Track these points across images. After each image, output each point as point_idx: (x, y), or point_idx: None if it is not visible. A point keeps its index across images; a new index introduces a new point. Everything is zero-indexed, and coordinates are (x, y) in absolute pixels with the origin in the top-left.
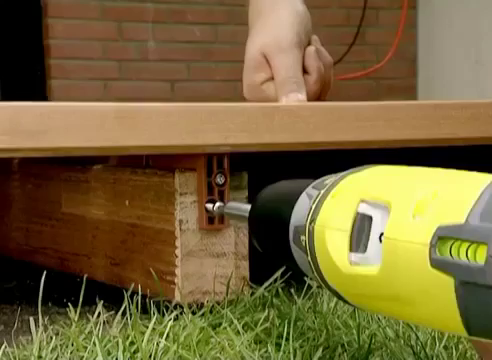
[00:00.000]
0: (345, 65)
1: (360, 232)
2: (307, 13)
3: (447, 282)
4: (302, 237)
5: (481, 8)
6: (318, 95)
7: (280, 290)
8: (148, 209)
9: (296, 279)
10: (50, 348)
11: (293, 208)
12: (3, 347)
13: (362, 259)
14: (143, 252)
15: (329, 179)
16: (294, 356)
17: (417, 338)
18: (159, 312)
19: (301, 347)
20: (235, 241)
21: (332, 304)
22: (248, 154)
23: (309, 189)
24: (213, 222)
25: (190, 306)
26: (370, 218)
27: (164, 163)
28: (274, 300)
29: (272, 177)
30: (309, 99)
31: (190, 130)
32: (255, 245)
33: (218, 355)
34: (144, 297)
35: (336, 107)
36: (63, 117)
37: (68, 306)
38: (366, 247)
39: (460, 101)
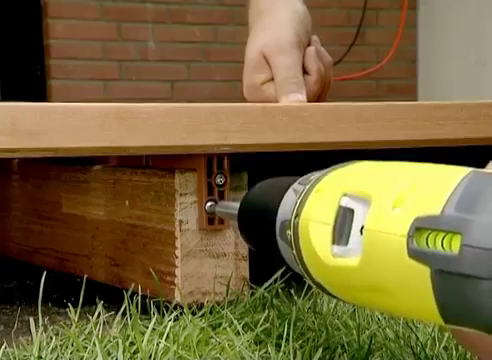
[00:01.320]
0: (345, 65)
1: (343, 225)
2: (307, 13)
3: (424, 271)
4: (288, 231)
5: (481, 8)
6: (318, 95)
7: (280, 290)
8: (148, 209)
9: (296, 279)
10: (50, 348)
11: (280, 204)
12: (3, 347)
13: (344, 251)
14: (143, 252)
15: (314, 175)
16: (294, 357)
17: (417, 339)
18: (159, 312)
19: (301, 347)
20: (235, 241)
21: (332, 305)
22: (248, 154)
23: (295, 185)
24: (213, 223)
25: (190, 306)
26: (352, 211)
27: (164, 163)
28: (274, 300)
29: (272, 177)
30: (309, 99)
31: (190, 130)
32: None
33: (218, 355)
34: (144, 297)
35: (336, 107)
36: (63, 117)
37: (68, 306)
38: (348, 239)
39: (460, 102)
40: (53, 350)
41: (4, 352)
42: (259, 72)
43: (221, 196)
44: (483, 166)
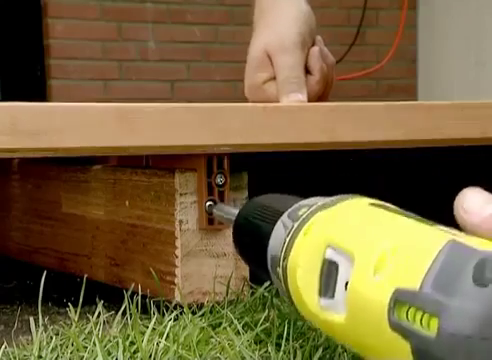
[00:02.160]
0: (345, 65)
1: (328, 277)
2: (311, 13)
3: (405, 345)
4: (278, 269)
5: (481, 8)
6: (320, 95)
7: None
8: (148, 209)
9: None
10: (50, 348)
11: (271, 234)
12: (3, 347)
13: (331, 304)
14: (143, 252)
15: (303, 210)
16: (294, 356)
17: None
18: (159, 312)
19: (301, 347)
20: None
21: None
22: (248, 154)
23: (285, 218)
24: (213, 222)
25: (190, 306)
26: (336, 264)
27: (164, 163)
28: (274, 300)
29: (272, 177)
30: (311, 99)
31: (190, 130)
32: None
33: (218, 355)
34: (144, 297)
35: (336, 107)
36: (63, 117)
37: (68, 306)
38: (334, 293)
39: (460, 101)
40: (53, 350)
41: (4, 352)
42: (261, 71)
43: (221, 196)
44: (484, 166)
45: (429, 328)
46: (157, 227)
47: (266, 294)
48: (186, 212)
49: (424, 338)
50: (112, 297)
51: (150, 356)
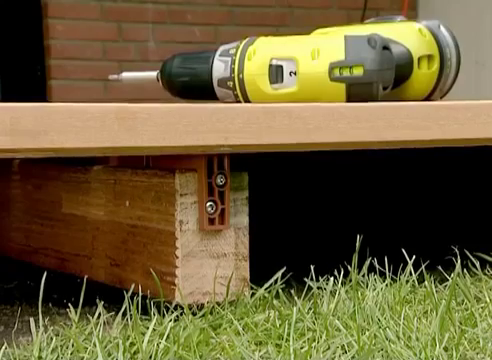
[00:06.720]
0: None
1: (276, 73)
2: None
3: (341, 87)
4: (229, 83)
5: (481, 8)
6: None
7: (280, 291)
8: (148, 210)
9: (296, 280)
10: (50, 349)
11: (212, 70)
12: (3, 348)
13: (281, 85)
14: (143, 253)
15: (231, 50)
16: (294, 357)
17: (417, 339)
18: (159, 313)
19: (301, 348)
20: (235, 242)
21: (332, 305)
22: (248, 155)
23: (218, 58)
24: (213, 223)
25: (190, 307)
26: (281, 66)
27: (164, 164)
28: (274, 301)
29: (272, 177)
30: None
31: (190, 130)
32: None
33: (218, 356)
34: (144, 298)
35: (336, 108)
36: (63, 117)
37: (68, 307)
38: (282, 79)
39: (460, 102)
40: (53, 350)
41: (4, 352)
42: None
43: (221, 196)
44: (484, 167)
45: (356, 71)
46: (157, 227)
47: (266, 295)
48: (186, 212)
49: (354, 77)
50: (112, 298)
51: (150, 357)
